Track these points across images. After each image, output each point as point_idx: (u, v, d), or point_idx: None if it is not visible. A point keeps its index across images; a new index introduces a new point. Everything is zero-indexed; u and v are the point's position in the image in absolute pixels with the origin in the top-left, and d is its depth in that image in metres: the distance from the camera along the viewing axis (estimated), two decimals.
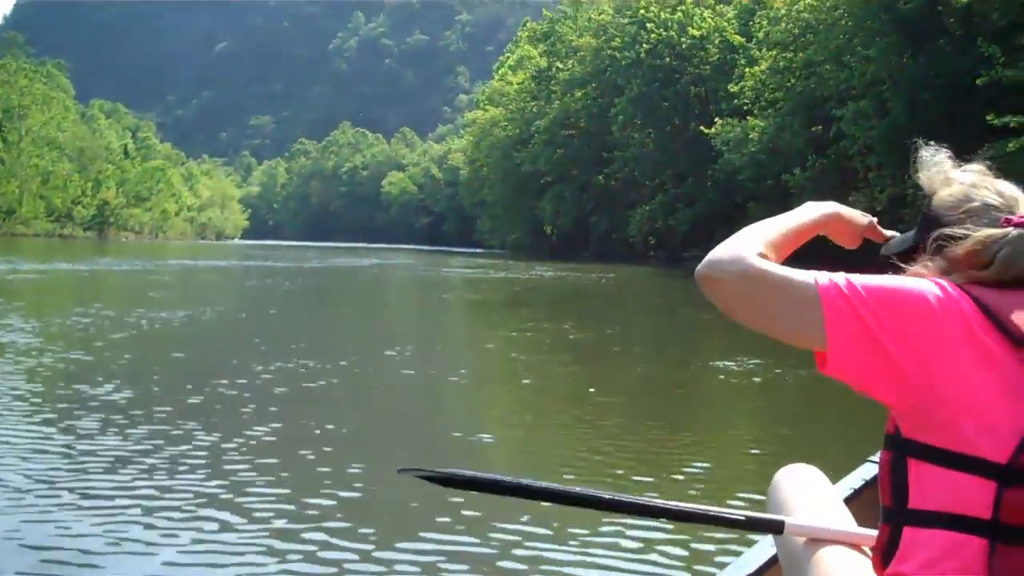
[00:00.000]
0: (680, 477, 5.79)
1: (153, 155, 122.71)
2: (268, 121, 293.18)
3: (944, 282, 1.56)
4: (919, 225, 1.75)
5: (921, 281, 1.57)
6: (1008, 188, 1.70)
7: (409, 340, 13.61)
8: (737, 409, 8.88)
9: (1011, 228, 1.58)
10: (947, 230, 1.62)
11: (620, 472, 5.84)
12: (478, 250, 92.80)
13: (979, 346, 1.49)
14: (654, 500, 1.92)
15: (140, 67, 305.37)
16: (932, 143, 1.80)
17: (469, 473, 1.91)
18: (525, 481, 1.91)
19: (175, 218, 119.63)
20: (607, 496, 1.89)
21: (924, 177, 1.76)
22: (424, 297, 26.76)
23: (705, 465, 6.18)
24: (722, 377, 10.27)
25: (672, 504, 1.91)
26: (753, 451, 6.93)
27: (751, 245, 1.64)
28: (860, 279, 1.56)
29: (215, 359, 10.61)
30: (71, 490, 5.01)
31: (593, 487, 2.24)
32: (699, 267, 1.64)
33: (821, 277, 1.57)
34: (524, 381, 9.99)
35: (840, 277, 1.57)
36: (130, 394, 7.92)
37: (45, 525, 4.45)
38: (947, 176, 1.73)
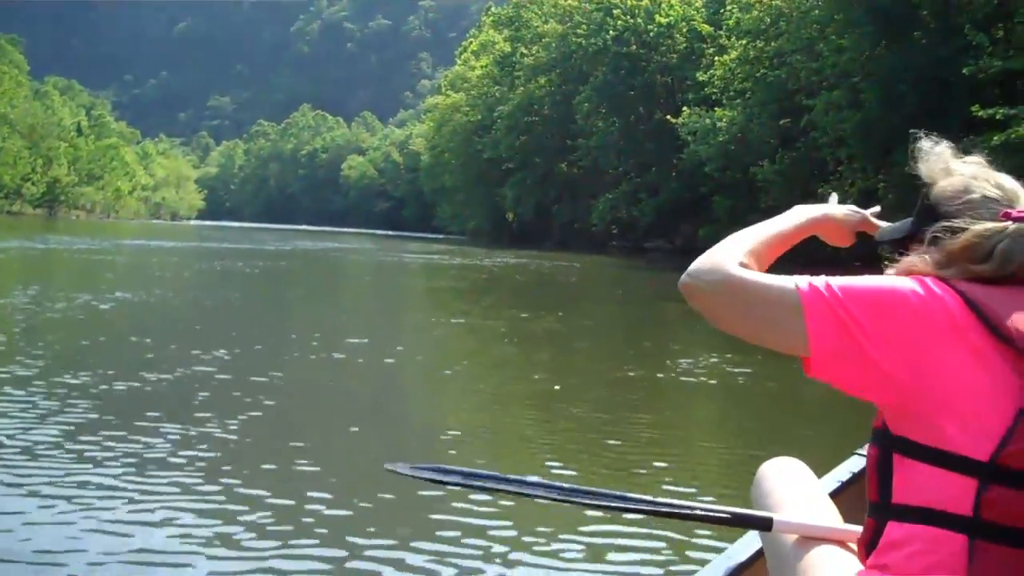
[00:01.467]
0: (651, 471, 5.65)
1: (107, 133, 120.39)
2: (228, 103, 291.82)
3: (928, 280, 1.57)
4: (916, 214, 1.75)
5: (903, 280, 1.58)
6: (1008, 181, 1.70)
7: (367, 329, 13.21)
8: (708, 402, 8.70)
9: (1010, 222, 1.59)
10: (945, 222, 1.63)
11: (591, 467, 5.78)
12: (438, 236, 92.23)
13: (963, 344, 1.51)
14: (640, 497, 1.90)
15: (99, 45, 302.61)
16: (934, 134, 1.78)
17: (456, 469, 1.93)
18: (511, 476, 1.93)
19: (128, 197, 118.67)
20: (593, 492, 1.90)
21: (924, 167, 1.75)
22: (383, 284, 26.27)
23: (677, 459, 6.11)
24: (691, 369, 10.00)
25: (659, 501, 1.90)
26: (727, 444, 6.84)
27: (732, 254, 1.67)
28: (841, 282, 1.57)
29: (170, 345, 9.95)
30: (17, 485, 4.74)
31: (568, 483, 2.18)
32: (682, 277, 1.68)
33: (802, 282, 1.58)
34: (490, 373, 9.69)
35: (821, 281, 1.58)
36: (76, 381, 7.51)
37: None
38: (947, 166, 1.73)
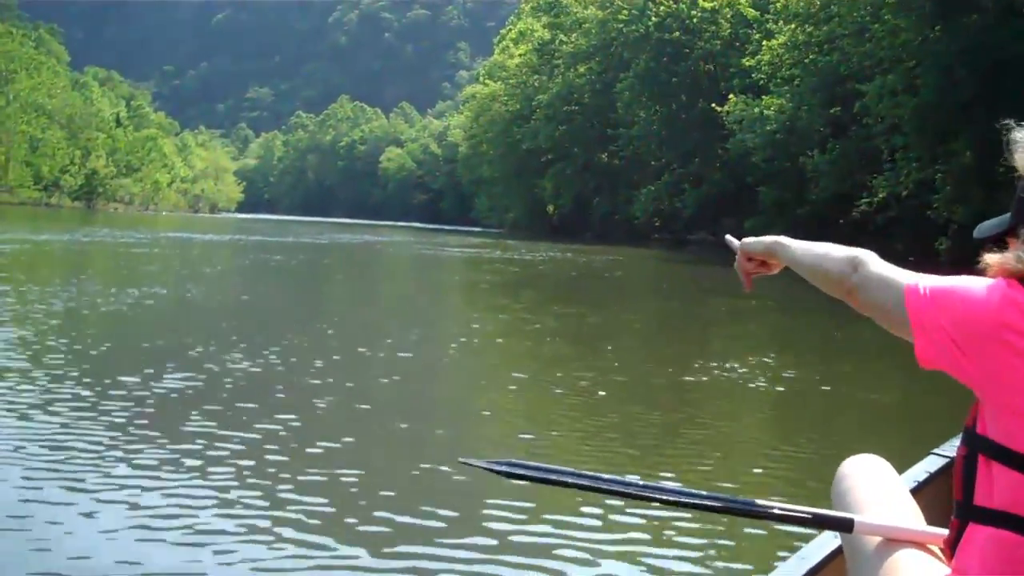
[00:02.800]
0: (707, 470, 5.54)
1: (146, 124, 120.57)
2: (266, 94, 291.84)
3: (1005, 284, 1.57)
4: (1014, 209, 1.71)
5: (982, 285, 1.60)
6: None
7: (409, 327, 12.84)
8: (761, 401, 8.27)
9: None
10: None
11: (648, 467, 5.58)
12: (475, 229, 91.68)
13: None
14: (716, 495, 1.91)
15: (138, 36, 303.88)
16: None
17: (531, 464, 1.95)
18: (585, 472, 1.95)
19: (167, 189, 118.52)
20: (668, 489, 1.92)
21: (1019, 158, 1.69)
22: (423, 279, 25.75)
23: (734, 459, 6.00)
24: (739, 368, 9.58)
25: (736, 499, 1.91)
26: (785, 445, 6.59)
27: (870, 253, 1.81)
28: (933, 283, 1.65)
29: (211, 342, 9.58)
30: (56, 481, 4.61)
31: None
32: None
33: (909, 279, 1.69)
34: (539, 370, 9.29)
35: (920, 279, 1.67)
36: (125, 378, 7.19)
37: (33, 517, 4.11)
38: None
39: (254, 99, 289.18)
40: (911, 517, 1.86)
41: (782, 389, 8.64)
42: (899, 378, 9.75)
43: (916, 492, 2.31)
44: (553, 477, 1.91)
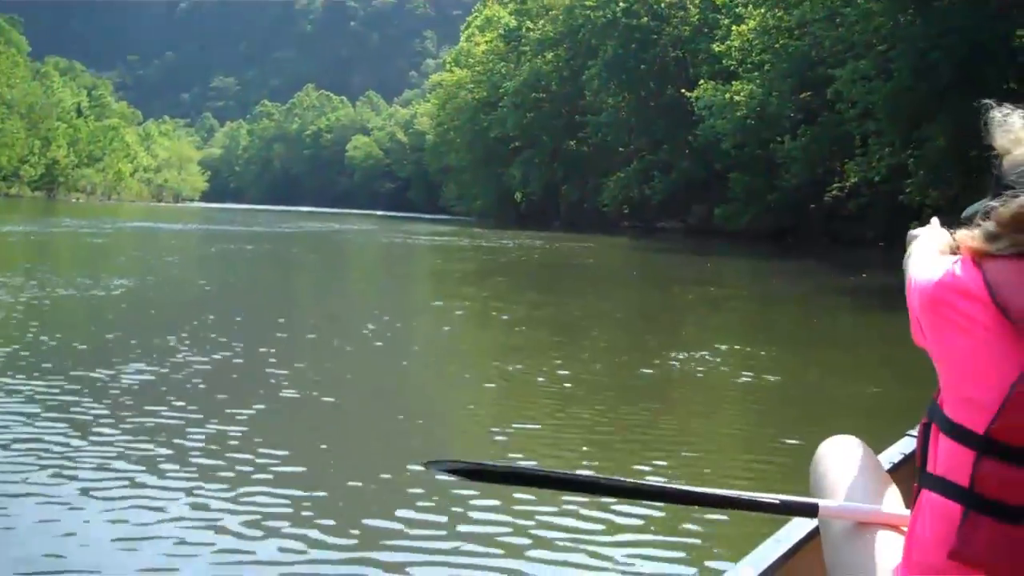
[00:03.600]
0: (680, 461, 5.54)
1: (108, 114, 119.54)
2: (232, 83, 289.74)
3: (958, 265, 1.64)
4: (992, 188, 1.72)
5: (944, 263, 1.68)
6: None
7: (375, 318, 12.28)
8: (730, 390, 8.12)
9: None
10: (998, 199, 1.63)
11: (620, 460, 5.52)
12: (443, 217, 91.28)
13: (975, 324, 1.58)
14: (683, 487, 1.98)
15: (104, 26, 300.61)
16: (1006, 104, 1.76)
17: (499, 465, 1.98)
18: (552, 472, 1.99)
19: (129, 179, 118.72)
20: (639, 484, 1.96)
21: (996, 138, 1.73)
22: (389, 268, 25.47)
23: (703, 448, 6.02)
24: (709, 357, 9.43)
25: (701, 491, 1.98)
26: (754, 431, 6.69)
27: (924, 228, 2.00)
28: (912, 269, 1.78)
29: (181, 332, 9.42)
30: (8, 475, 4.56)
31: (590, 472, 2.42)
32: None
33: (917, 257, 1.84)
34: (506, 363, 9.01)
35: (909, 267, 1.82)
36: (83, 373, 7.10)
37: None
38: (1017, 136, 1.71)
39: (220, 88, 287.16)
40: (887, 498, 1.91)
41: (756, 377, 8.45)
42: (875, 364, 9.85)
43: (893, 472, 2.33)
44: (517, 479, 1.95)
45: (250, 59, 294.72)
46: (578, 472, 1.82)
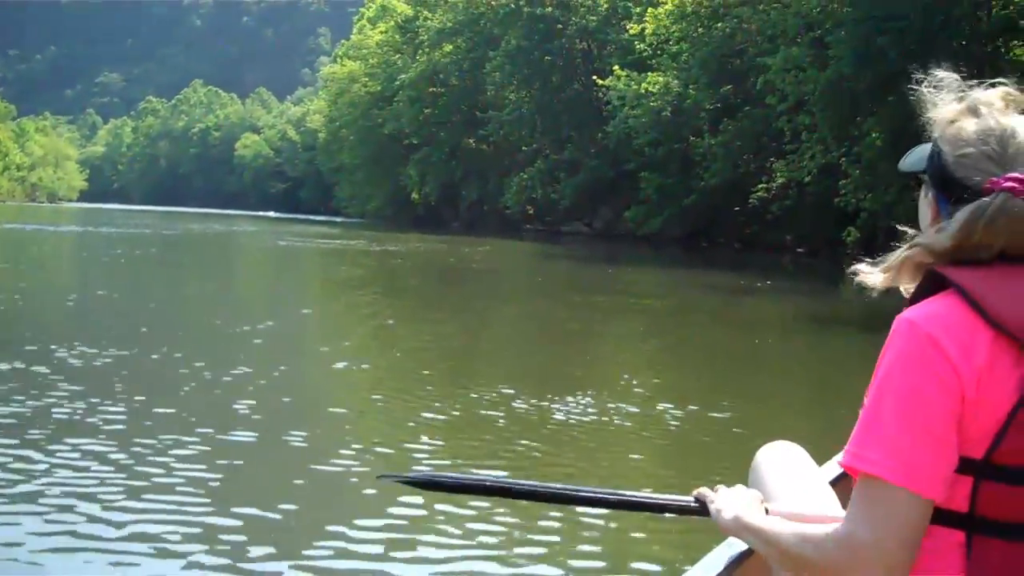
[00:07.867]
0: (589, 466, 5.77)
1: None
2: (117, 79, 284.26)
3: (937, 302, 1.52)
4: (929, 154, 1.63)
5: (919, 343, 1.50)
6: (1016, 131, 1.55)
7: (263, 333, 11.69)
8: (646, 399, 7.94)
9: (995, 193, 1.51)
10: (934, 231, 1.57)
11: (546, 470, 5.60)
12: (336, 219, 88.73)
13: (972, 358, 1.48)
14: (626, 493, 1.99)
15: None
16: (939, 71, 1.64)
17: (450, 476, 2.04)
18: (505, 481, 2.05)
19: (0, 177, 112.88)
20: (584, 492, 2.00)
21: (931, 112, 1.63)
22: (280, 273, 24.92)
23: (624, 452, 6.18)
24: (633, 361, 9.86)
25: (630, 497, 1.97)
26: (691, 435, 6.75)
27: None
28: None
29: (52, 343, 8.99)
30: None
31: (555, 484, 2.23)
32: None
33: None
34: (406, 383, 8.51)
35: None
36: None
37: None
38: (953, 111, 1.60)
39: (105, 84, 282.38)
40: (827, 504, 1.92)
41: (665, 386, 8.60)
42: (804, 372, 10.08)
43: (839, 481, 2.30)
44: (468, 488, 2.04)
45: (137, 55, 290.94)
46: (526, 481, 1.88)
